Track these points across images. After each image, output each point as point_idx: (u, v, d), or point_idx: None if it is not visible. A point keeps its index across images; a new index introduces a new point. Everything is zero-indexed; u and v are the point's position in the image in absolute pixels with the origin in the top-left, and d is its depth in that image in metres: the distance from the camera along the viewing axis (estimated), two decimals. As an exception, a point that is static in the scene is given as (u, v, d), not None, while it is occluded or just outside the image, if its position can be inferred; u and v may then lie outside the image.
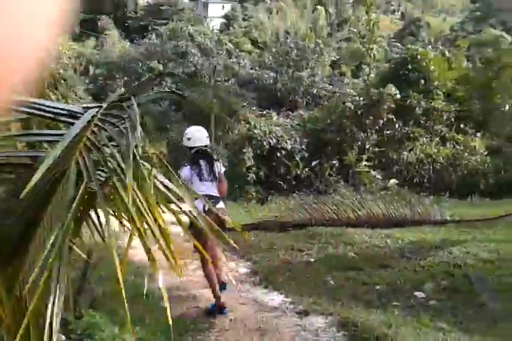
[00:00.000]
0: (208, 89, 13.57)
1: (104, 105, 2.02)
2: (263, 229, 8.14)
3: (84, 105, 2.23)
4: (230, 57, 17.44)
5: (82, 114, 1.93)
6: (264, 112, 12.47)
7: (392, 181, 11.00)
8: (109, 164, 1.66)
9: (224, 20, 52.09)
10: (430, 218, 7.78)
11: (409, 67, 12.33)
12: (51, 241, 1.42)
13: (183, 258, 1.72)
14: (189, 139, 4.35)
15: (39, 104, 2.02)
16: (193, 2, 56.67)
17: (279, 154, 10.87)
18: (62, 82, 28.03)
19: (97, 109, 1.96)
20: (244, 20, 47.50)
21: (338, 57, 30.07)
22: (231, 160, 11.19)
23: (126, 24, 45.38)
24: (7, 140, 2.07)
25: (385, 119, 11.78)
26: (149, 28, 36.02)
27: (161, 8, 46.23)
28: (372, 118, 11.90)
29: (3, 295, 1.59)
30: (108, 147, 1.69)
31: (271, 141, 10.56)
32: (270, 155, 10.96)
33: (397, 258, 6.18)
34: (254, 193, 11.04)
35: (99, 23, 41.71)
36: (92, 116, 1.86)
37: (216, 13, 54.71)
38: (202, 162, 4.26)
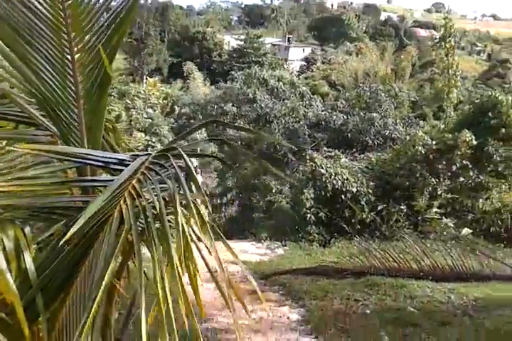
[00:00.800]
0: (275, 130, 14.01)
1: (152, 154, 2.23)
2: (321, 274, 7.97)
3: (134, 153, 2.46)
4: (303, 100, 17.85)
5: (131, 162, 2.14)
6: (332, 154, 12.46)
7: (465, 230, 10.32)
8: (148, 213, 1.82)
9: (304, 63, 53.67)
10: (502, 273, 7.16)
11: (490, 113, 11.77)
12: (95, 281, 1.55)
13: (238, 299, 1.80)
14: None
15: (92, 154, 2.27)
16: (276, 46, 59.23)
17: (343, 196, 10.72)
18: (149, 120, 30.16)
19: (145, 157, 2.17)
20: (323, 63, 48.61)
21: (417, 98, 29.56)
22: (293, 199, 11.24)
23: (211, 67, 48.31)
24: (64, 185, 2.32)
25: (458, 165, 11.25)
26: (232, 71, 38.04)
27: (245, 51, 48.81)
28: (445, 163, 11.43)
29: (44, 331, 1.70)
30: (151, 194, 1.87)
31: (335, 182, 10.49)
32: (334, 197, 10.86)
33: (459, 315, 5.75)
34: (316, 235, 10.90)
35: (184, 68, 44.80)
36: (139, 165, 2.06)
37: (297, 56, 56.63)
38: None
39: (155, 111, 31.35)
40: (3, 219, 2.05)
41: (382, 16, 79.89)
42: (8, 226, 2.07)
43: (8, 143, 2.73)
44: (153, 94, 38.75)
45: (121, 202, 1.84)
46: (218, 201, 20.03)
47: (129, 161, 2.14)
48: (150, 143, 23.56)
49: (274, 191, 13.11)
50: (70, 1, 1.91)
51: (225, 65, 45.66)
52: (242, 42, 51.97)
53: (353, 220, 11.00)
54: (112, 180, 2.05)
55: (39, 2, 1.90)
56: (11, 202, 1.97)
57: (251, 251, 10.19)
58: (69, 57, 2.04)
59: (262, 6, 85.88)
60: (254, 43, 48.51)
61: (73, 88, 2.12)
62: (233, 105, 17.45)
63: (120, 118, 30.64)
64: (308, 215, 10.68)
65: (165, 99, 38.32)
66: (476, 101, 12.30)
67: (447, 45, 12.92)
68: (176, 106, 34.75)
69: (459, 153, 11.22)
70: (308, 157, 11.71)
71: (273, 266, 8.64)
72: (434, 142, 11.58)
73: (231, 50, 50.91)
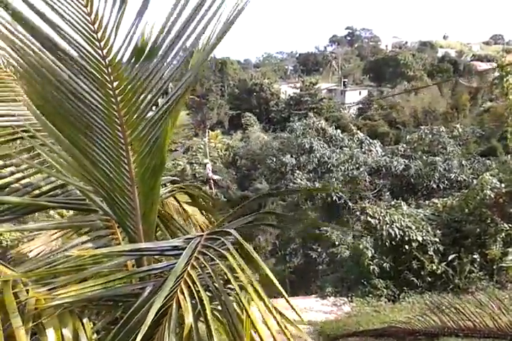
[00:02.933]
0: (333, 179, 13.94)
1: (204, 236, 2.36)
2: (390, 335, 7.56)
3: (187, 236, 2.61)
4: (362, 146, 17.74)
5: (184, 248, 2.26)
6: (393, 202, 12.08)
7: (548, 279, 9.50)
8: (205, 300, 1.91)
9: (361, 105, 53.72)
10: None
11: None
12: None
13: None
14: None
15: (147, 247, 2.44)
16: (332, 91, 60.05)
17: (407, 246, 10.27)
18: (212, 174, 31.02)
19: (198, 240, 2.29)
20: (380, 107, 48.22)
21: (483, 132, 28.33)
22: (353, 249, 10.95)
23: (269, 117, 49.66)
24: (125, 278, 2.49)
25: (533, 209, 10.52)
26: (290, 119, 38.73)
27: (301, 99, 49.86)
28: (517, 207, 10.74)
29: None
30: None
31: (391, 230, 10.10)
32: (397, 246, 10.43)
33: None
34: (384, 289, 10.43)
35: (242, 120, 46.43)
36: (193, 250, 2.18)
37: (353, 99, 56.91)
38: None
39: (215, 163, 32.40)
40: (62, 312, 2.21)
41: (440, 53, 78.93)
42: (67, 318, 2.24)
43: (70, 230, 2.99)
44: (214, 146, 40.34)
45: (178, 291, 1.96)
46: (282, 252, 19.87)
47: (182, 247, 2.27)
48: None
49: (336, 242, 12.86)
50: (121, 96, 2.05)
51: (283, 113, 46.77)
52: (298, 90, 53.27)
53: (422, 272, 10.46)
54: (168, 265, 2.19)
55: (91, 95, 2.04)
56: (74, 300, 2.11)
57: (316, 308, 9.91)
58: (123, 146, 2.17)
59: (315, 54, 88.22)
60: (310, 90, 49.51)
61: (128, 175, 2.25)
62: (291, 156, 17.69)
63: (185, 172, 32.03)
64: (372, 267, 10.30)
65: (226, 150, 39.68)
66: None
67: (505, 85, 12.47)
68: (237, 157, 35.72)
69: (531, 195, 10.53)
70: (358, 207, 11.47)
71: (340, 326, 8.33)
72: (503, 185, 10.98)
73: (288, 99, 52.20)
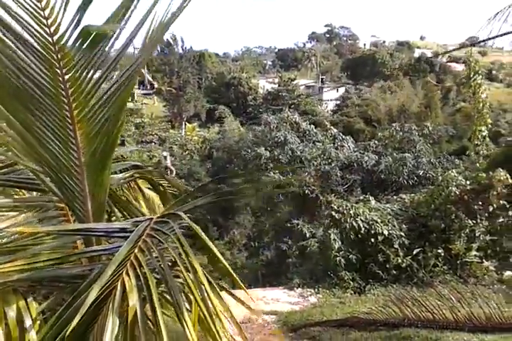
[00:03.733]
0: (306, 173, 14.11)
1: (154, 219, 2.36)
2: (352, 326, 7.72)
3: (136, 219, 2.61)
4: (334, 141, 17.95)
5: (132, 230, 2.25)
6: (361, 197, 12.30)
7: (508, 273, 9.82)
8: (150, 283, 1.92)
9: (338, 102, 54.19)
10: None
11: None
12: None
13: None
14: None
15: (93, 227, 2.43)
16: (310, 88, 60.36)
17: (373, 239, 10.48)
18: (188, 166, 30.92)
19: (146, 223, 2.30)
20: (358, 103, 48.78)
21: (455, 132, 29.05)
22: (322, 242, 11.12)
23: (247, 111, 49.59)
24: (73, 257, 2.46)
25: (495, 205, 10.84)
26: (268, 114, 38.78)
27: (279, 94, 49.89)
28: (481, 204, 11.05)
29: None
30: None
31: (355, 224, 10.30)
32: (363, 239, 10.63)
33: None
34: (351, 281, 10.62)
35: (216, 112, 46.31)
36: (141, 232, 2.18)
37: (331, 96, 57.36)
38: None
39: (192, 157, 32.24)
40: (5, 290, 2.19)
41: (416, 53, 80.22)
42: (10, 297, 2.22)
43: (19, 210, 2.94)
44: (191, 138, 40.11)
45: (124, 273, 1.96)
46: (255, 245, 20.02)
47: (130, 230, 2.27)
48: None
49: (307, 235, 13.03)
50: (69, 75, 2.01)
51: (260, 107, 46.74)
52: (277, 85, 53.31)
53: (387, 265, 10.67)
54: (117, 247, 2.18)
55: (38, 74, 2.00)
56: (15, 278, 2.09)
57: (283, 299, 10.03)
58: (70, 126, 2.12)
59: (294, 50, 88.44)
60: (288, 86, 49.62)
61: (75, 155, 2.20)
62: (266, 149, 17.77)
63: (161, 164, 31.78)
64: (338, 258, 10.47)
65: (203, 142, 39.52)
66: (510, 138, 11.99)
67: (472, 84, 12.83)
68: (213, 150, 35.66)
69: (494, 192, 10.84)
70: (324, 200, 11.64)
71: (304, 317, 8.46)
72: (467, 182, 11.28)
73: (266, 94, 52.21)
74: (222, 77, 54.78)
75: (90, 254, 2.43)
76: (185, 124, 46.94)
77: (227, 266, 2.04)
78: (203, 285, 1.87)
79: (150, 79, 58.65)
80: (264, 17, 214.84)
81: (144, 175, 3.54)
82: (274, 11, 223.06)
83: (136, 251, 2.02)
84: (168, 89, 48.68)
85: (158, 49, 50.40)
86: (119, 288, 1.88)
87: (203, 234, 2.08)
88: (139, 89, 58.14)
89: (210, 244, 2.04)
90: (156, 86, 54.88)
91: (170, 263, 2.11)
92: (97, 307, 1.88)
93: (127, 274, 1.93)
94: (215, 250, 2.01)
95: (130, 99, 53.95)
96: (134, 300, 1.81)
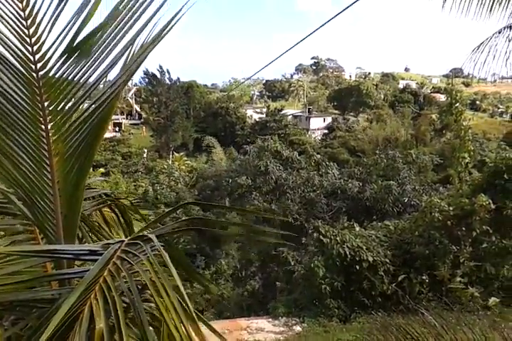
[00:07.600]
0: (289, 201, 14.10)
1: (125, 241, 2.31)
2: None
3: (106, 242, 2.55)
4: (319, 169, 18.04)
5: (102, 253, 2.20)
6: (346, 224, 12.31)
7: (493, 299, 9.74)
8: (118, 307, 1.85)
9: (326, 131, 55.00)
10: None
11: (506, 176, 11.55)
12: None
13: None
14: None
15: (61, 249, 2.37)
16: (297, 117, 61.25)
17: (358, 266, 10.40)
18: (174, 193, 30.77)
19: (117, 246, 2.25)
20: (346, 130, 49.59)
21: (440, 161, 29.51)
22: (308, 269, 10.99)
23: (235, 141, 49.97)
24: (42, 280, 2.39)
25: (479, 231, 10.90)
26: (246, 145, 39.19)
27: (268, 124, 50.48)
28: (465, 229, 11.11)
29: None
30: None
31: (341, 250, 10.24)
32: (348, 266, 10.54)
33: None
34: (336, 309, 10.45)
35: (203, 141, 46.65)
36: (111, 255, 2.12)
37: (318, 125, 58.23)
38: None
39: (177, 184, 32.14)
40: None
41: (401, 84, 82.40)
42: None
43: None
44: (179, 168, 40.12)
45: (92, 297, 1.91)
46: (243, 274, 19.76)
47: (100, 252, 2.22)
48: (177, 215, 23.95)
49: (292, 263, 12.88)
50: (47, 94, 2.00)
51: (248, 137, 47.14)
52: (264, 115, 54.01)
53: (373, 292, 10.57)
54: (84, 271, 2.13)
55: (16, 92, 1.98)
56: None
57: (268, 328, 9.81)
58: (45, 146, 2.09)
59: (281, 81, 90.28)
60: (276, 116, 50.31)
61: (49, 176, 2.15)
62: (247, 178, 17.80)
63: (147, 194, 31.58)
64: (323, 286, 10.34)
65: (190, 172, 39.53)
66: (491, 164, 12.17)
67: (454, 111, 13.18)
68: (201, 179, 35.69)
69: (477, 218, 10.92)
70: (311, 225, 11.61)
71: (287, 346, 8.26)
72: (451, 208, 11.36)
73: (253, 123, 52.79)
74: (210, 106, 55.45)
75: (59, 277, 2.38)
76: (173, 154, 47.06)
77: (186, 296, 1.98)
78: (175, 310, 1.82)
79: (138, 109, 59.16)
80: (251, 50, 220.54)
81: (115, 203, 3.52)
82: (261, 44, 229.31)
83: (105, 274, 1.98)
84: (156, 118, 49.05)
85: (146, 80, 51.11)
86: (86, 311, 1.83)
87: (168, 260, 2.04)
88: (127, 119, 58.50)
89: (174, 271, 1.99)
90: (144, 116, 55.31)
91: (140, 287, 2.07)
92: (65, 331, 1.84)
93: (95, 298, 1.88)
94: (178, 279, 1.96)
95: (118, 129, 54.31)
96: (101, 323, 1.76)
